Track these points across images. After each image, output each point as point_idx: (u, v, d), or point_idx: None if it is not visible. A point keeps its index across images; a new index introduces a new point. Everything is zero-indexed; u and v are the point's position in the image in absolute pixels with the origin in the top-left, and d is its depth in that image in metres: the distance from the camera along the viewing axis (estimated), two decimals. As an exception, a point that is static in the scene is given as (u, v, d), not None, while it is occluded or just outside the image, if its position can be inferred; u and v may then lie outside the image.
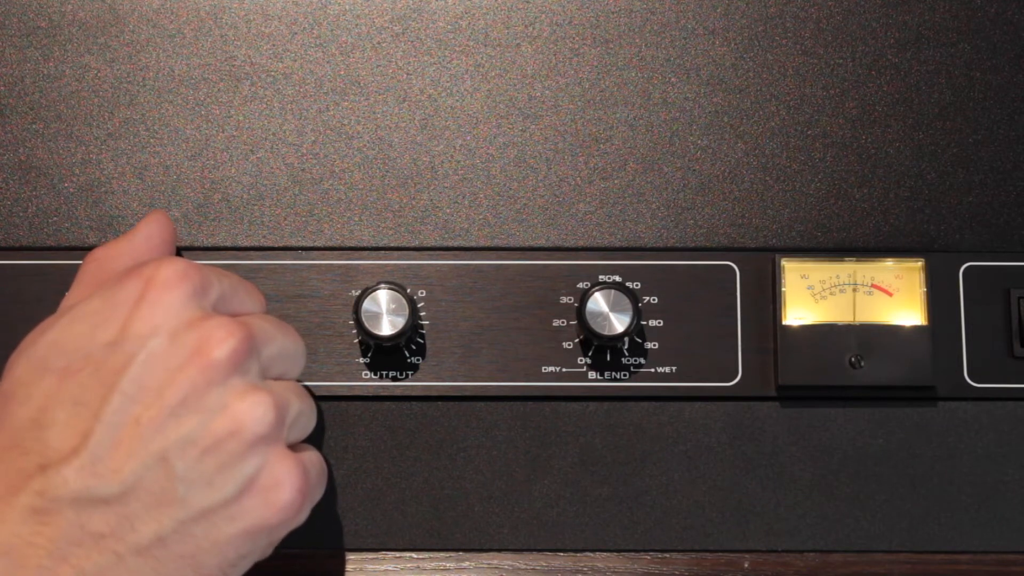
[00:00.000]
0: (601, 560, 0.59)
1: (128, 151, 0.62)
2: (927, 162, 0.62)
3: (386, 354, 0.60)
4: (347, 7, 0.64)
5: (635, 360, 0.60)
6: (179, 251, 0.61)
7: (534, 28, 0.64)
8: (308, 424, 0.52)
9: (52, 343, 0.47)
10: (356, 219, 0.62)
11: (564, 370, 0.60)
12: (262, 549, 0.49)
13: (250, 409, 0.47)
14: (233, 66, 0.63)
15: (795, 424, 0.60)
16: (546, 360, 0.60)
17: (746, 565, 0.59)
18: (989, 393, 0.60)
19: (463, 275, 0.61)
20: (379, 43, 0.63)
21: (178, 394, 0.46)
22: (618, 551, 0.59)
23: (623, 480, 0.60)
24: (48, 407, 0.46)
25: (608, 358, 0.60)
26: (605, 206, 0.62)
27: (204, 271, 0.49)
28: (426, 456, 0.60)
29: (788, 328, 0.60)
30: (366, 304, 0.58)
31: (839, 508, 0.59)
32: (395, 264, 0.61)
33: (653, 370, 0.60)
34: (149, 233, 0.54)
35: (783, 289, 0.60)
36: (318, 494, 0.52)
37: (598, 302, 0.58)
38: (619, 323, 0.58)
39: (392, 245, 0.61)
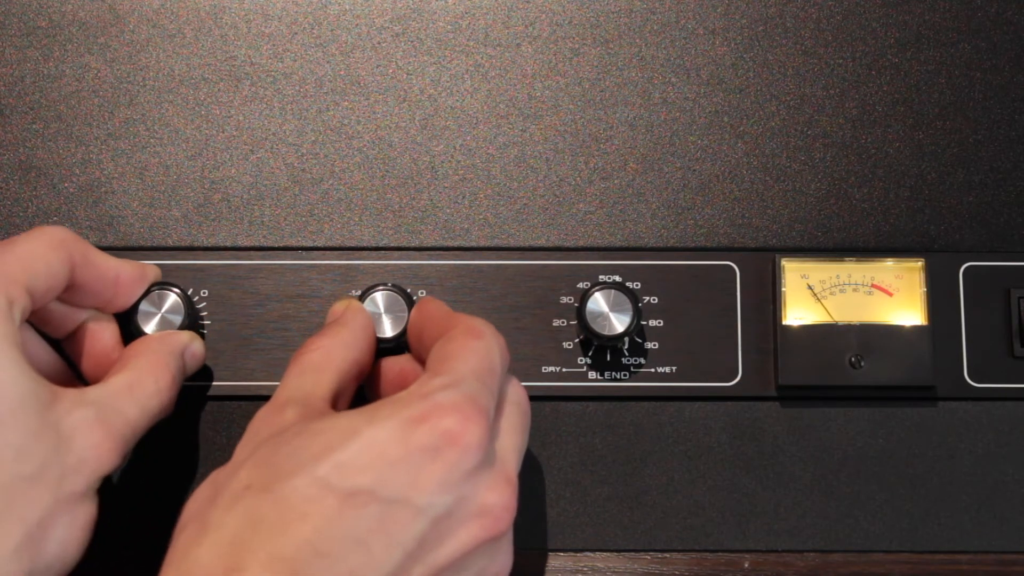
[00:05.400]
0: (601, 560, 0.59)
1: (128, 151, 0.62)
2: (927, 162, 0.62)
3: (387, 355, 0.60)
4: (347, 7, 0.64)
5: (635, 360, 0.60)
6: (178, 252, 0.61)
7: (534, 28, 0.64)
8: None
9: (338, 466, 0.45)
10: (356, 219, 0.62)
11: (564, 370, 0.60)
12: None
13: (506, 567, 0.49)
14: (233, 66, 0.63)
15: (795, 424, 0.60)
16: (546, 360, 0.60)
17: (746, 565, 0.59)
18: (989, 393, 0.60)
19: (463, 275, 0.61)
20: (379, 43, 0.63)
21: (454, 555, 0.47)
22: (618, 551, 0.59)
23: (623, 480, 0.60)
24: (326, 532, 0.44)
25: (608, 358, 0.60)
26: (605, 206, 0.62)
27: (486, 423, 0.48)
28: (426, 456, 0.60)
29: (788, 328, 0.60)
30: (366, 304, 0.58)
31: (839, 508, 0.59)
32: (395, 264, 0.61)
33: (653, 370, 0.60)
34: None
35: (783, 289, 0.60)
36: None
37: (598, 302, 0.58)
38: (619, 323, 0.58)
39: (392, 245, 0.61)
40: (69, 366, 0.57)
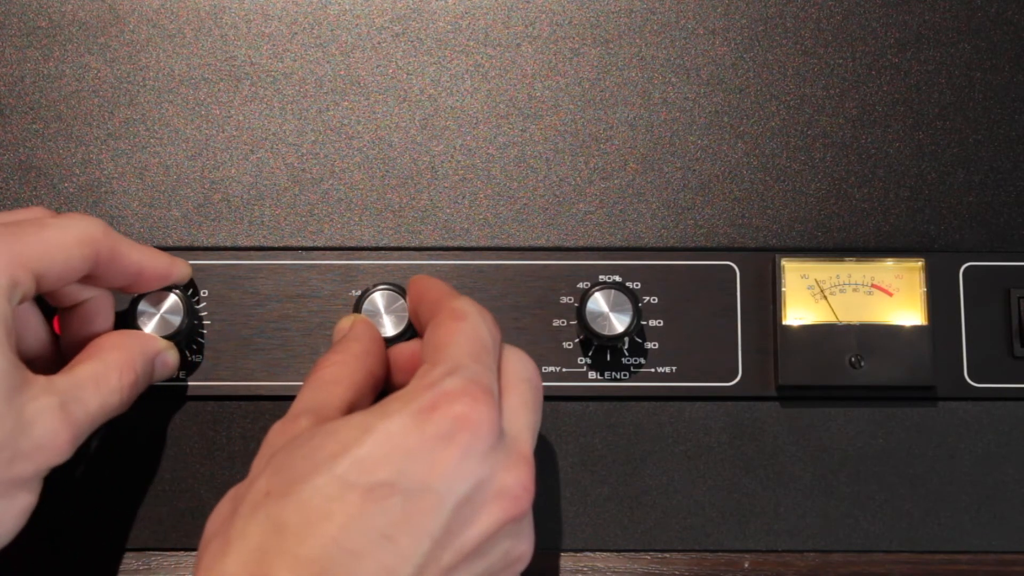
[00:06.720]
0: (601, 560, 0.59)
1: (128, 151, 0.62)
2: (927, 162, 0.62)
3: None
4: (347, 7, 0.64)
5: (635, 360, 0.60)
6: (178, 251, 0.61)
7: (534, 28, 0.64)
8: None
9: (356, 462, 0.45)
10: (356, 219, 0.62)
11: (564, 370, 0.60)
12: None
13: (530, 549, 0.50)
14: (233, 66, 0.63)
15: (795, 424, 0.60)
16: (546, 360, 0.60)
17: (746, 565, 0.59)
18: (989, 393, 0.60)
19: (463, 275, 0.61)
20: (379, 43, 0.63)
21: (479, 539, 0.47)
22: (618, 551, 0.59)
23: (623, 480, 0.60)
24: (351, 529, 0.44)
25: (608, 358, 0.60)
26: (605, 206, 0.62)
27: (494, 401, 0.48)
28: (426, 456, 0.60)
29: (788, 328, 0.60)
30: (366, 305, 0.58)
31: (839, 508, 0.59)
32: (395, 264, 0.61)
33: (653, 370, 0.60)
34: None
35: (783, 289, 0.60)
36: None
37: (598, 302, 0.58)
38: (619, 323, 0.58)
39: (392, 245, 0.61)
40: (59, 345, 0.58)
